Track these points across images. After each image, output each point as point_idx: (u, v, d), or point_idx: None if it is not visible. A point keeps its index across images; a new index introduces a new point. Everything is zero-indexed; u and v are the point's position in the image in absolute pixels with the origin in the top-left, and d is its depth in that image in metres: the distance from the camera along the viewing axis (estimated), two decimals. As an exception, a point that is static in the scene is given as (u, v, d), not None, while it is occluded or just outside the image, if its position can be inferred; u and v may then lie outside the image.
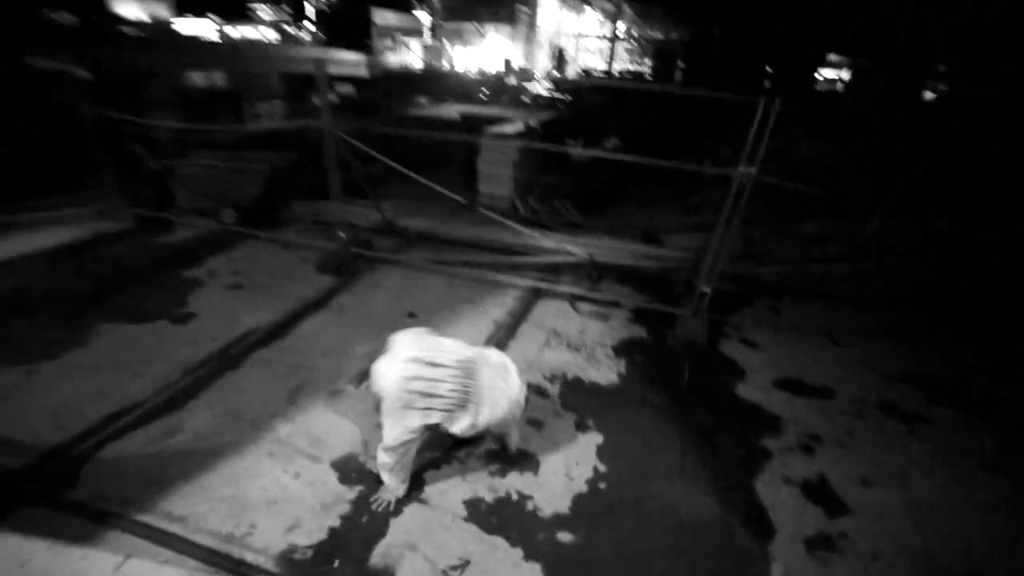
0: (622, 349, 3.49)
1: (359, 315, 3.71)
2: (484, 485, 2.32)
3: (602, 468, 2.48)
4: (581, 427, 2.74)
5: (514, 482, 2.36)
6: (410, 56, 18.23)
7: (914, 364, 3.53)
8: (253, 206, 5.02)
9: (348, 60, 11.64)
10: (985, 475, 2.60)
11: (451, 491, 2.27)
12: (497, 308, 3.87)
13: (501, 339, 3.46)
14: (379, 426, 2.10)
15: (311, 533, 2.04)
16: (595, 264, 4.18)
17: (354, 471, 2.34)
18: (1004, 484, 2.55)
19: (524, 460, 2.48)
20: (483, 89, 14.55)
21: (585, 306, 3.96)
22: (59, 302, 3.61)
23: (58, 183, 5.61)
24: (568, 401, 2.91)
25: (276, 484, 2.25)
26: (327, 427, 2.60)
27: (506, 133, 5.94)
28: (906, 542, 2.20)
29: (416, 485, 2.28)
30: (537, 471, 2.43)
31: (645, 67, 21.14)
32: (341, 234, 4.38)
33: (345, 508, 2.16)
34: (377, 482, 2.24)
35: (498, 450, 2.52)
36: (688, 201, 6.67)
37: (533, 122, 6.77)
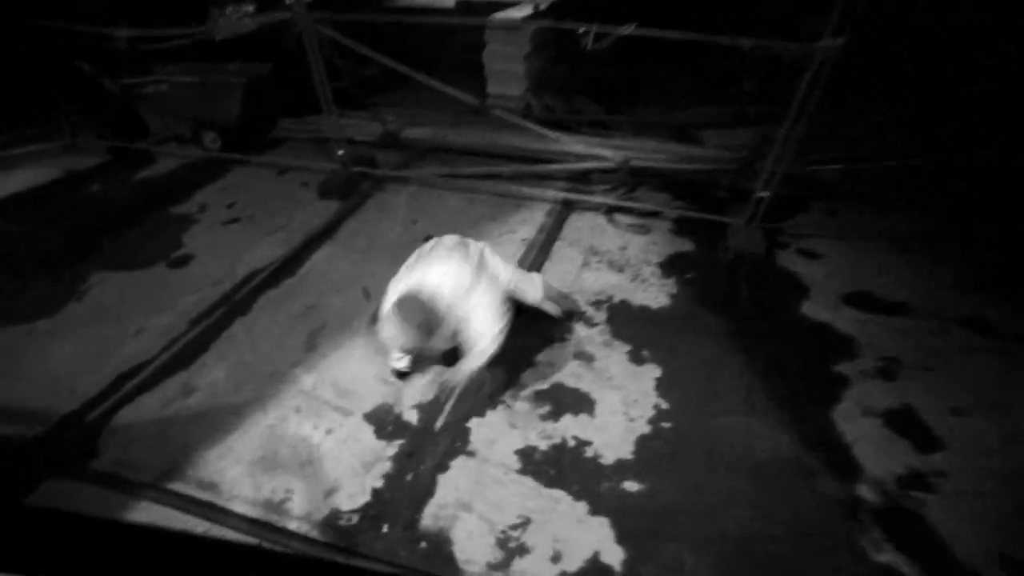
0: (669, 266, 3.12)
1: (371, 242, 3.33)
2: (536, 432, 2.10)
3: (664, 405, 2.24)
4: (636, 359, 2.46)
5: (569, 426, 2.13)
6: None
7: (993, 271, 3.12)
8: (236, 127, 4.42)
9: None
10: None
11: (500, 440, 2.06)
12: (525, 225, 3.46)
13: (534, 260, 3.09)
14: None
15: (353, 496, 1.86)
16: (631, 169, 3.66)
17: (390, 423, 2.13)
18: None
19: (577, 401, 2.24)
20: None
21: (623, 218, 3.53)
22: (41, 252, 3.27)
23: (10, 116, 4.99)
24: (618, 329, 2.61)
25: (307, 443, 2.04)
26: (354, 375, 2.35)
27: (515, 18, 5.05)
28: (1011, 480, 1.97)
29: (461, 436, 2.07)
30: (593, 412, 2.20)
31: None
32: (340, 151, 3.86)
33: (386, 466, 1.96)
34: (414, 436, 2.04)
35: (546, 389, 2.27)
36: (741, 87, 5.84)
37: (543, 4, 5.76)
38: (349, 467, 1.95)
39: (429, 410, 2.19)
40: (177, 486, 1.89)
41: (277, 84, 4.71)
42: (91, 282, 3.01)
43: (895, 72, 5.11)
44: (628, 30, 6.93)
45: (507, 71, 5.19)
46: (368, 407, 2.19)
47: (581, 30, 7.01)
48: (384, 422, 2.13)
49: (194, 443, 2.05)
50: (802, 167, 3.64)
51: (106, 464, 1.98)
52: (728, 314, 2.74)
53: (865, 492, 1.90)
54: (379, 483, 1.90)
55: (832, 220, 3.65)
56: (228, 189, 4.03)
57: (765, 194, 3.11)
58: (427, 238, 3.21)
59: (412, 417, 2.15)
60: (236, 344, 2.53)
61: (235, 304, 2.79)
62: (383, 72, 6.31)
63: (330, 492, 1.87)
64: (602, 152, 3.74)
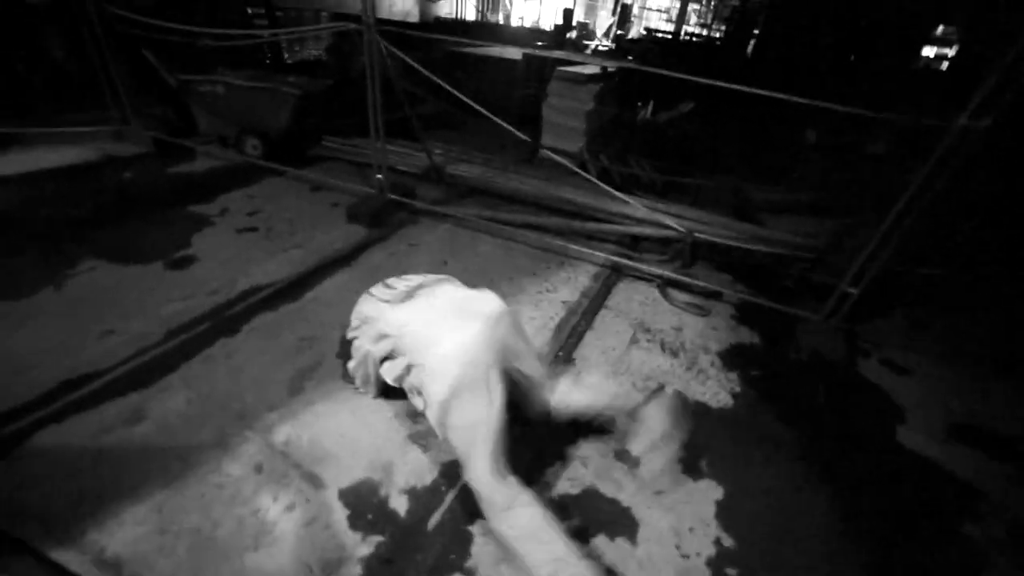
0: (731, 358, 2.63)
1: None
2: (558, 555, 1.56)
3: (727, 541, 1.68)
4: (692, 470, 1.93)
5: (602, 552, 1.59)
6: (465, 5, 16.89)
7: None
8: (281, 137, 4.27)
9: (398, 5, 10.61)
10: None
11: (511, 560, 1.52)
12: (567, 285, 3.04)
13: (575, 327, 2.65)
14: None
15: (299, 614, 1.34)
16: (693, 241, 3.27)
17: (371, 509, 1.62)
18: None
19: (615, 518, 1.71)
20: (540, 43, 13.27)
21: (679, 294, 3.09)
22: (48, 231, 3.00)
23: (77, 98, 5.01)
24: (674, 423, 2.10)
25: (259, 520, 1.55)
26: (340, 434, 1.88)
27: (580, 74, 4.94)
28: None
29: (459, 544, 1.55)
30: (635, 537, 1.65)
31: (717, 31, 19.09)
32: (379, 176, 3.60)
33: (355, 572, 1.44)
34: (399, 533, 1.53)
35: (576, 495, 1.75)
36: (804, 138, 5.56)
37: (611, 67, 5.70)
38: (304, 565, 1.44)
39: (425, 498, 1.68)
40: (64, 555, 1.40)
41: (332, 102, 4.62)
42: (78, 269, 2.68)
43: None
44: (687, 108, 6.84)
45: (565, 126, 5.02)
46: (348, 481, 1.70)
47: (639, 105, 6.95)
48: (364, 506, 1.63)
49: (116, 492, 1.57)
50: (893, 265, 3.19)
51: (-4, 503, 1.51)
52: (806, 429, 2.21)
53: None
54: (338, 598, 1.38)
55: (921, 332, 3.14)
56: (255, 197, 3.78)
57: (853, 291, 2.66)
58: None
59: (400, 505, 1.64)
60: (210, 369, 2.10)
61: (223, 321, 2.39)
62: (439, 111, 6.35)
63: (269, 601, 1.35)
64: (664, 220, 3.36)
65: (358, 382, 1.98)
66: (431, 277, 1.99)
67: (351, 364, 1.95)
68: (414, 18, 10.80)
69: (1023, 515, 1.94)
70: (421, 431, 1.90)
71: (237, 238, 3.18)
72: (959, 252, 3.54)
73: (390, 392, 2.08)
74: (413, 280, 1.96)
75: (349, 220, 3.56)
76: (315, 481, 1.68)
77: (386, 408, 2.00)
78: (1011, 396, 2.62)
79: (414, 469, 1.77)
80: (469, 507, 1.66)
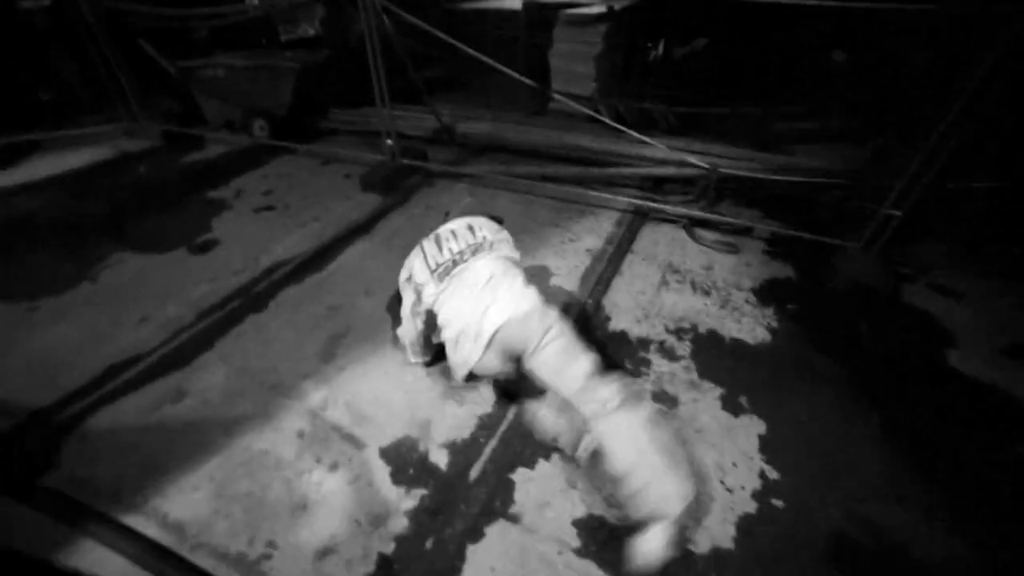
0: (766, 293, 2.53)
1: (413, 242, 2.88)
2: (603, 497, 1.56)
3: (772, 475, 1.65)
4: (731, 407, 1.89)
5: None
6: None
7: None
8: (286, 114, 4.21)
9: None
10: None
11: (554, 504, 1.54)
12: (590, 234, 2.96)
13: (602, 274, 2.58)
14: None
15: (352, 564, 1.38)
16: (719, 178, 3.10)
17: (412, 464, 1.65)
18: None
19: (655, 458, 1.69)
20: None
21: (706, 233, 2.97)
22: (74, 229, 3.07)
23: (83, 102, 5.03)
24: (708, 366, 2.05)
25: (306, 481, 1.59)
26: (375, 396, 1.90)
27: (588, 14, 4.66)
28: None
29: (503, 492, 1.56)
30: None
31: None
32: (389, 141, 3.52)
33: (401, 524, 1.48)
34: (442, 485, 1.55)
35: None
36: (832, 58, 5.19)
37: (617, 5, 5.36)
38: (353, 520, 1.48)
39: (464, 451, 1.69)
40: (134, 520, 1.48)
41: (333, 72, 4.50)
42: (108, 262, 2.74)
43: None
44: (701, 44, 6.43)
45: (574, 72, 4.78)
46: (387, 440, 1.73)
47: (649, 45, 6.56)
48: (405, 462, 1.66)
49: (170, 463, 1.64)
50: (940, 187, 2.97)
51: (61, 480, 1.60)
52: (850, 360, 2.12)
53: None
54: (389, 548, 1.42)
55: (971, 253, 2.95)
56: (268, 176, 3.77)
57: (896, 213, 2.49)
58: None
59: (441, 459, 1.66)
60: (243, 345, 2.14)
61: (251, 298, 2.42)
62: (444, 74, 6.15)
63: (323, 554, 1.40)
64: (687, 157, 3.20)
65: (408, 352, 1.98)
66: (474, 239, 1.77)
67: (400, 330, 1.93)
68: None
69: (1091, 429, 1.84)
70: (456, 387, 1.91)
71: (255, 218, 3.19)
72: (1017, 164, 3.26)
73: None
74: (458, 242, 1.75)
75: (364, 189, 3.53)
76: (356, 442, 1.71)
77: (418, 368, 2.01)
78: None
79: (452, 424, 1.78)
80: (510, 456, 1.67)
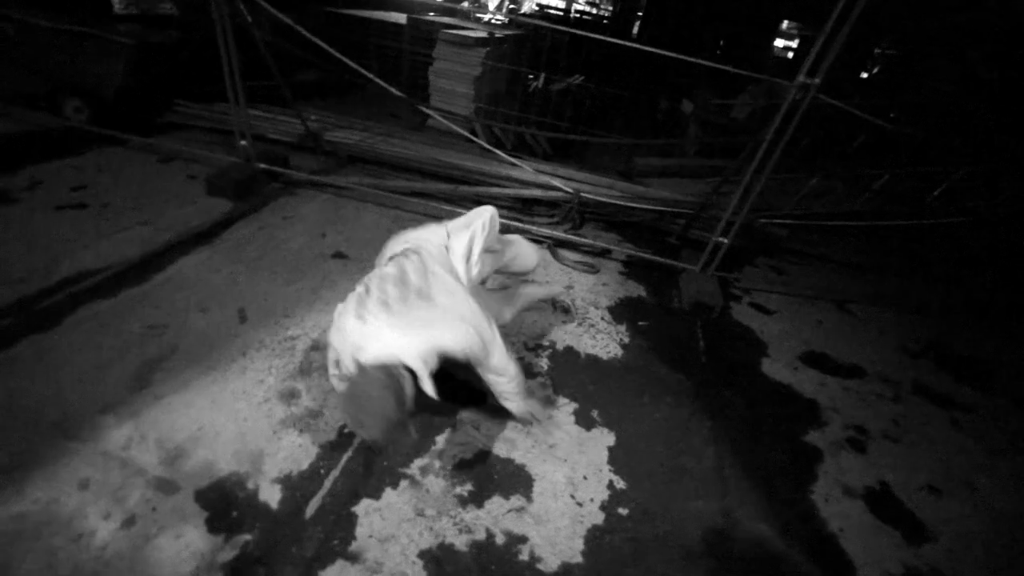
0: (620, 312, 2.73)
1: (263, 253, 2.63)
2: (451, 521, 1.50)
3: (620, 484, 1.74)
4: (584, 421, 1.97)
5: (497, 514, 1.55)
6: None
7: (929, 335, 3.09)
8: (115, 98, 3.58)
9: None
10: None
11: (399, 535, 1.43)
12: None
13: (466, 294, 2.56)
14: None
15: (143, 639, 1.13)
16: (581, 202, 3.32)
17: (236, 507, 1.42)
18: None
19: (509, 477, 1.68)
20: (430, 14, 12.65)
21: (568, 254, 3.13)
22: None
23: None
24: (563, 382, 2.13)
25: (83, 546, 1.28)
26: (198, 427, 1.62)
27: (468, 37, 4.76)
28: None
29: (342, 528, 1.42)
30: (530, 493, 1.64)
31: (605, 11, 19.72)
32: (243, 142, 3.17)
33: (215, 580, 1.25)
34: (271, 526, 1.36)
35: (469, 459, 1.70)
36: (681, 108, 5.92)
37: (499, 33, 5.57)
38: (149, 584, 1.22)
39: (301, 485, 1.51)
40: None
41: (185, 59, 3.95)
42: None
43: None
44: (576, 80, 6.98)
45: (454, 92, 4.84)
46: (207, 480, 1.47)
47: (531, 76, 6.95)
48: (228, 504, 1.42)
49: None
50: (754, 220, 3.51)
51: None
52: (687, 370, 2.37)
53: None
54: (196, 612, 1.19)
55: (779, 276, 3.53)
56: (84, 169, 3.14)
57: (723, 240, 2.87)
58: (338, 254, 2.63)
59: (272, 496, 1.46)
60: (9, 374, 1.70)
61: (33, 315, 1.95)
62: (321, 78, 5.78)
63: (102, 633, 1.12)
64: (552, 181, 3.37)
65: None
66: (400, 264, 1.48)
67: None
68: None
69: (853, 420, 2.26)
70: (296, 413, 1.72)
71: (56, 217, 2.62)
72: (804, 205, 4.01)
73: (262, 373, 1.86)
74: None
75: (210, 193, 3.11)
76: (165, 486, 1.43)
77: (255, 391, 1.78)
78: (845, 326, 3.04)
79: (289, 455, 1.58)
80: (352, 485, 1.53)
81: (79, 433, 1.54)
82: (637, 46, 2.62)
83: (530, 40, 6.70)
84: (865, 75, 10.43)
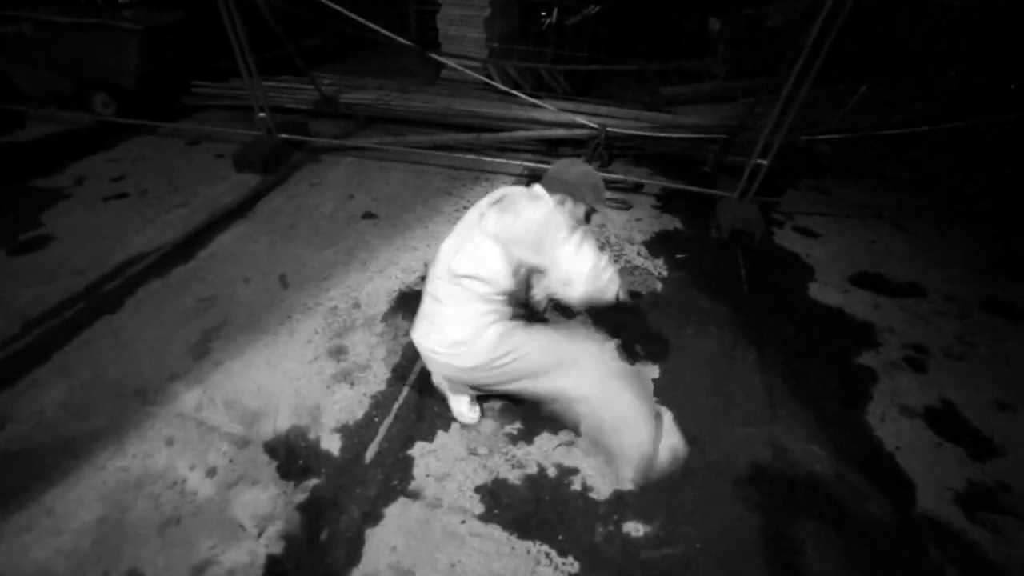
0: (656, 246, 2.65)
1: (296, 221, 2.69)
2: (503, 458, 1.56)
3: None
4: (627, 355, 1.96)
5: (547, 450, 1.60)
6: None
7: (1001, 249, 2.85)
8: (135, 86, 3.64)
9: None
10: None
11: (455, 473, 1.51)
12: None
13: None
14: None
15: (236, 573, 1.25)
16: (608, 137, 3.18)
17: (301, 455, 1.53)
18: None
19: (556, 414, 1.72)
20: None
21: (600, 194, 3.04)
22: None
23: None
24: (603, 318, 2.11)
25: (177, 492, 1.41)
26: (257, 388, 1.73)
27: (472, -26, 4.48)
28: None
29: (401, 470, 1.50)
30: (578, 427, 1.67)
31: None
32: (262, 115, 3.18)
33: (292, 520, 1.37)
34: (335, 472, 1.46)
35: (514, 400, 1.74)
36: (710, 69, 5.49)
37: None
38: (235, 525, 1.34)
39: (358, 434, 1.60)
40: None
41: (193, 38, 3.93)
42: (-100, 273, 2.23)
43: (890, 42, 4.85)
44: (593, 11, 6.53)
45: (464, 37, 4.63)
46: (271, 433, 1.58)
47: (543, 13, 6.53)
48: (293, 453, 1.53)
49: None
50: (795, 139, 3.27)
51: None
52: (730, 300, 2.30)
53: (927, 514, 1.48)
54: (278, 548, 1.31)
55: (825, 197, 3.31)
56: (121, 161, 3.26)
57: (762, 162, 2.70)
58: (368, 215, 2.63)
59: (333, 444, 1.56)
60: (92, 352, 1.85)
61: (100, 298, 2.09)
62: (328, 42, 5.65)
63: (201, 569, 1.26)
64: (576, 119, 3.23)
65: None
66: None
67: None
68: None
69: (912, 339, 2.15)
70: (346, 368, 1.80)
71: (103, 208, 2.75)
72: (852, 119, 3.68)
73: (309, 333, 1.94)
74: None
75: (238, 169, 3.17)
76: (237, 441, 1.55)
77: (305, 352, 1.86)
78: (899, 244, 2.85)
79: (344, 407, 1.67)
80: (406, 431, 1.61)
81: (157, 399, 1.67)
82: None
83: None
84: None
